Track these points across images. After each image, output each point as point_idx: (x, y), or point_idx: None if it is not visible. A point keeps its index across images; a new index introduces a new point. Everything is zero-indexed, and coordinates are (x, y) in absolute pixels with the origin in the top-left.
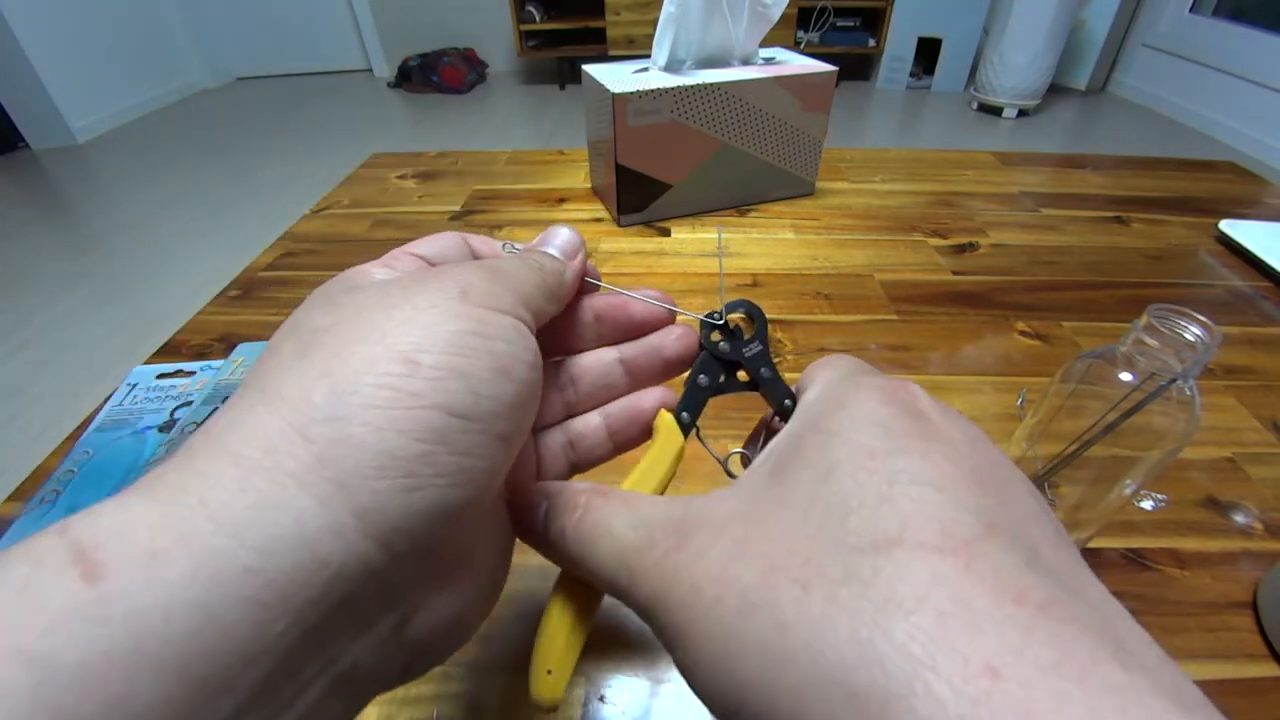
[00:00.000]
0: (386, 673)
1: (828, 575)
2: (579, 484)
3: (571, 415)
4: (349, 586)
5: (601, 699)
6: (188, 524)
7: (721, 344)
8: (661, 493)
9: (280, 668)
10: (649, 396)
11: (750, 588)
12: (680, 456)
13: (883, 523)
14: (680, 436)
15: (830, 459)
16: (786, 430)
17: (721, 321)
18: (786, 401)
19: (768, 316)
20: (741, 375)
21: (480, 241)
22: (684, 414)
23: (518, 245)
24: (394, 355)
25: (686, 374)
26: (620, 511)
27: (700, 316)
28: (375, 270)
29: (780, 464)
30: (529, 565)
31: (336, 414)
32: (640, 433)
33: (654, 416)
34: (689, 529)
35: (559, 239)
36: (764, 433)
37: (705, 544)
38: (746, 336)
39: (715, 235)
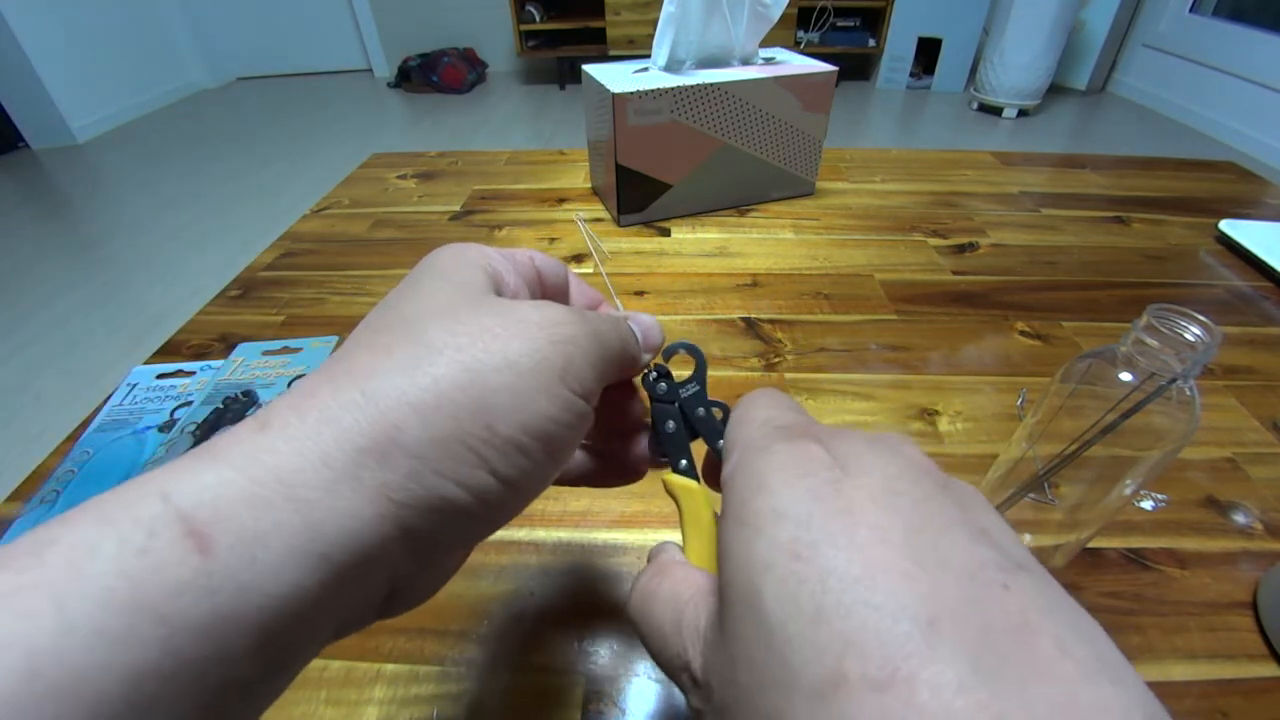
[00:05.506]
0: (357, 627)
1: None
2: (667, 553)
3: None
4: (379, 573)
5: (602, 699)
6: (282, 514)
7: (660, 384)
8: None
9: (319, 626)
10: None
11: None
12: (710, 503)
13: (826, 654)
14: (697, 486)
15: (758, 561)
16: (721, 516)
17: (654, 370)
18: (720, 443)
19: (768, 317)
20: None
21: (576, 282)
22: (682, 462)
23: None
24: (481, 418)
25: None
26: (668, 600)
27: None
28: (495, 257)
29: (724, 570)
30: (528, 565)
31: (420, 453)
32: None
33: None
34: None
35: (648, 328)
36: None
37: (706, 670)
38: (684, 379)
39: (717, 236)
